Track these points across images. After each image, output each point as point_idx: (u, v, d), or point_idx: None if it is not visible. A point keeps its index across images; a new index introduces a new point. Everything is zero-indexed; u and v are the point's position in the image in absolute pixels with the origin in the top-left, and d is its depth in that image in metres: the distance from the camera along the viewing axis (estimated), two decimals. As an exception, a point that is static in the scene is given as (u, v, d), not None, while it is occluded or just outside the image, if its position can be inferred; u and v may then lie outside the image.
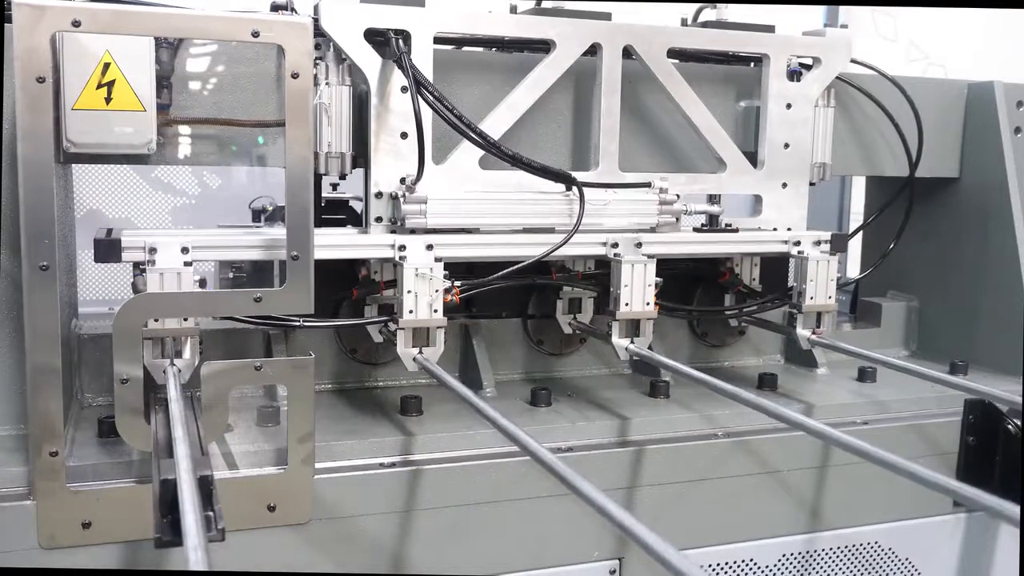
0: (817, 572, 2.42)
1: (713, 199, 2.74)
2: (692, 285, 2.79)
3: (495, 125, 2.32)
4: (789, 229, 2.66)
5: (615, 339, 2.37)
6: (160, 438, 1.80)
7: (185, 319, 1.97)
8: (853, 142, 2.90)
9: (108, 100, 1.95)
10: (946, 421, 2.47)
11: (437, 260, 2.20)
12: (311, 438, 1.90)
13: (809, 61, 2.67)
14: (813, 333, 2.58)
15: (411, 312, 2.16)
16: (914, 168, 2.90)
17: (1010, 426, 2.24)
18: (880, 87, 2.83)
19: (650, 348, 2.39)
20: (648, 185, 2.46)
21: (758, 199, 2.69)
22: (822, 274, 2.56)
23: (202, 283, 2.04)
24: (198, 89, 2.17)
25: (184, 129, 2.18)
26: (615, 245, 2.36)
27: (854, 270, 3.80)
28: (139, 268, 2.01)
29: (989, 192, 2.95)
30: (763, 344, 2.95)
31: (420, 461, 2.07)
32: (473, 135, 2.20)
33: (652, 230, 2.44)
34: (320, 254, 2.00)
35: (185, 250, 2.01)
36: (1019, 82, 2.97)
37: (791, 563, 2.39)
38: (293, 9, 2.18)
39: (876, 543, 2.47)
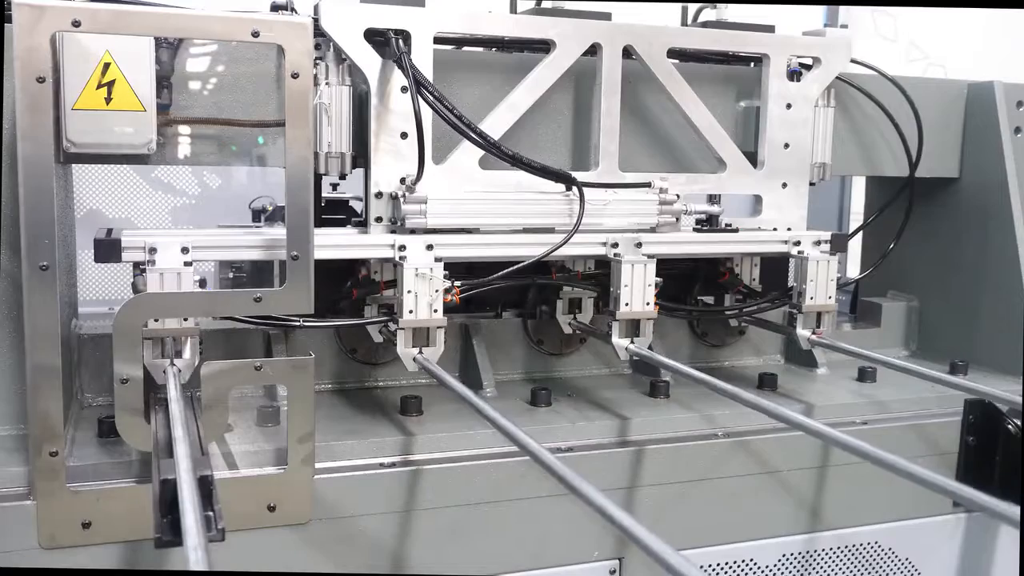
0: (817, 572, 2.42)
1: (713, 199, 2.74)
2: (690, 283, 2.78)
3: (495, 125, 2.32)
4: (789, 229, 2.66)
5: (615, 339, 2.37)
6: (160, 438, 1.81)
7: (185, 319, 1.97)
8: (853, 142, 2.90)
9: (108, 100, 1.95)
10: (946, 421, 2.47)
11: (437, 260, 2.20)
12: (311, 438, 1.90)
13: (809, 61, 2.67)
14: (813, 333, 2.58)
15: (411, 312, 2.16)
16: (914, 168, 2.90)
17: (1010, 426, 2.24)
18: (880, 87, 2.83)
19: (650, 348, 2.39)
20: (648, 185, 2.46)
21: (758, 199, 2.69)
22: (822, 274, 2.56)
23: (202, 283, 2.04)
24: (198, 89, 2.17)
25: (184, 129, 2.18)
26: (615, 245, 2.36)
27: (854, 270, 3.80)
28: (139, 268, 2.01)
29: (989, 192, 2.95)
30: (763, 344, 2.95)
31: (420, 461, 2.07)
32: (473, 135, 2.20)
33: (652, 230, 2.44)
34: (320, 254, 2.00)
35: (185, 250, 2.01)
36: (1019, 82, 2.97)
37: (791, 563, 2.39)
38: (293, 9, 2.18)
39: (876, 543, 2.47)
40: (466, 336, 2.56)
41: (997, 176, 2.92)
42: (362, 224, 2.35)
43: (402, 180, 2.25)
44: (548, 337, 2.69)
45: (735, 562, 2.33)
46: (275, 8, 2.18)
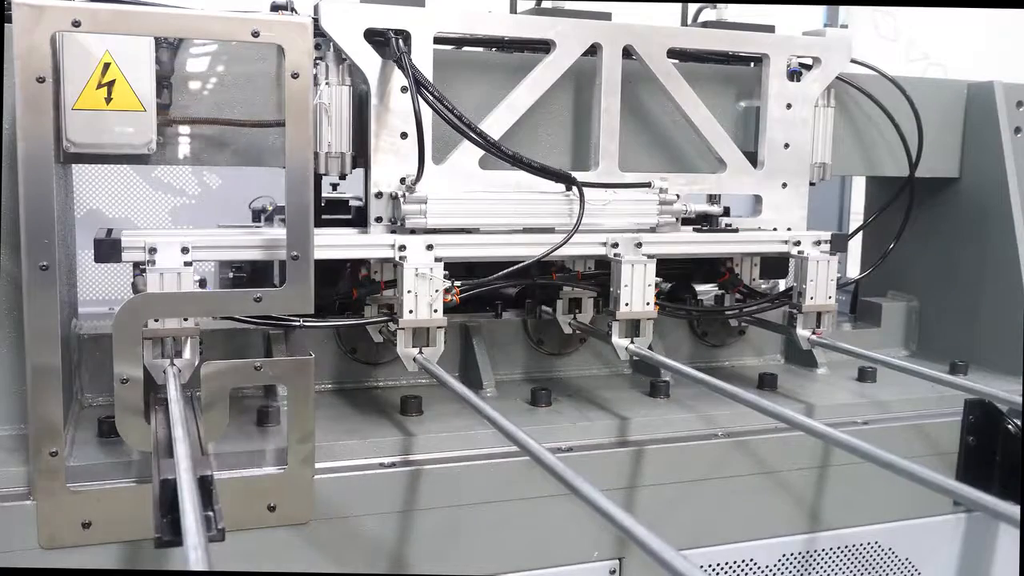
0: (817, 572, 2.42)
1: (713, 199, 2.74)
2: (689, 282, 2.78)
3: (495, 125, 2.32)
4: (789, 229, 2.66)
5: (615, 339, 2.37)
6: (160, 438, 1.80)
7: (185, 319, 1.97)
8: (853, 142, 2.90)
9: (108, 100, 1.95)
10: (946, 421, 2.46)
11: (437, 260, 2.20)
12: (311, 438, 1.90)
13: (809, 61, 2.67)
14: (813, 333, 2.58)
15: (411, 312, 2.16)
16: (914, 168, 2.90)
17: (1010, 426, 2.24)
18: (880, 87, 2.83)
19: (650, 348, 2.39)
20: (648, 185, 2.46)
21: (758, 199, 2.69)
22: (822, 274, 2.56)
23: (202, 283, 2.04)
24: (198, 89, 2.17)
25: (184, 129, 2.18)
26: (615, 245, 2.36)
27: (854, 270, 3.80)
28: (139, 268, 2.01)
29: (989, 192, 2.95)
30: (763, 344, 2.95)
31: (420, 461, 2.07)
32: (473, 135, 2.20)
33: (652, 230, 2.44)
34: (320, 254, 2.00)
35: (185, 250, 2.01)
36: (1019, 82, 2.97)
37: (791, 563, 2.39)
38: (293, 9, 2.18)
39: (876, 543, 2.47)
40: (466, 336, 2.56)
41: (997, 176, 2.92)
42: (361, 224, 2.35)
43: (402, 180, 2.25)
44: (548, 337, 2.69)
45: (735, 562, 2.33)
46: (275, 8, 2.18)
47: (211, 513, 1.42)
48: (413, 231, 2.24)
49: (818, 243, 2.60)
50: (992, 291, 2.95)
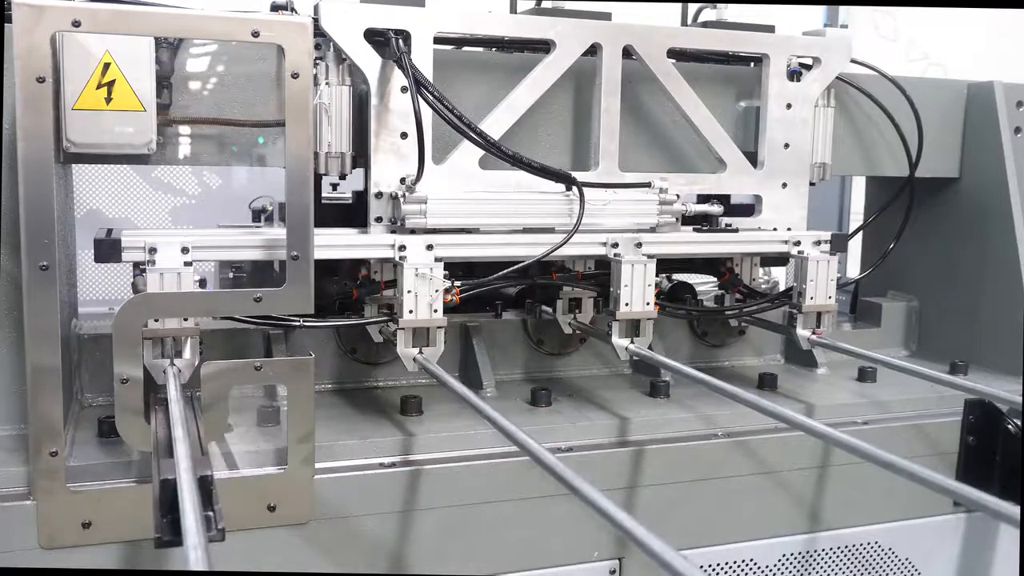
0: (817, 572, 2.42)
1: (713, 200, 2.73)
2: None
3: (495, 125, 2.32)
4: (789, 229, 2.66)
5: (615, 339, 2.37)
6: (160, 438, 1.80)
7: (185, 319, 1.97)
8: (853, 142, 2.90)
9: (108, 100, 1.95)
10: (946, 421, 2.46)
11: (437, 260, 2.20)
12: (311, 438, 1.90)
13: (809, 61, 2.67)
14: (813, 333, 2.58)
15: (411, 312, 2.16)
16: (914, 168, 2.90)
17: (1010, 426, 2.24)
18: (880, 87, 2.83)
19: (650, 348, 2.39)
20: (648, 185, 2.46)
21: (758, 199, 2.69)
22: (822, 274, 2.56)
23: (202, 283, 2.04)
24: (198, 89, 2.17)
25: (184, 129, 2.18)
26: (615, 245, 2.36)
27: (854, 270, 3.80)
28: (139, 268, 2.01)
29: (989, 192, 2.95)
30: (763, 344, 2.95)
31: (420, 461, 2.07)
32: (473, 135, 2.20)
33: (652, 230, 2.44)
34: (320, 254, 2.00)
35: (185, 250, 2.01)
36: (1019, 82, 2.97)
37: (791, 563, 2.39)
38: (293, 9, 2.18)
39: (876, 543, 2.47)
40: (466, 336, 2.56)
41: (997, 176, 2.92)
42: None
43: (402, 180, 2.25)
44: (548, 337, 2.69)
45: (735, 562, 2.33)
46: (275, 8, 2.18)
47: (211, 513, 1.42)
48: (413, 231, 2.24)
49: (818, 243, 2.60)
50: (992, 291, 2.95)
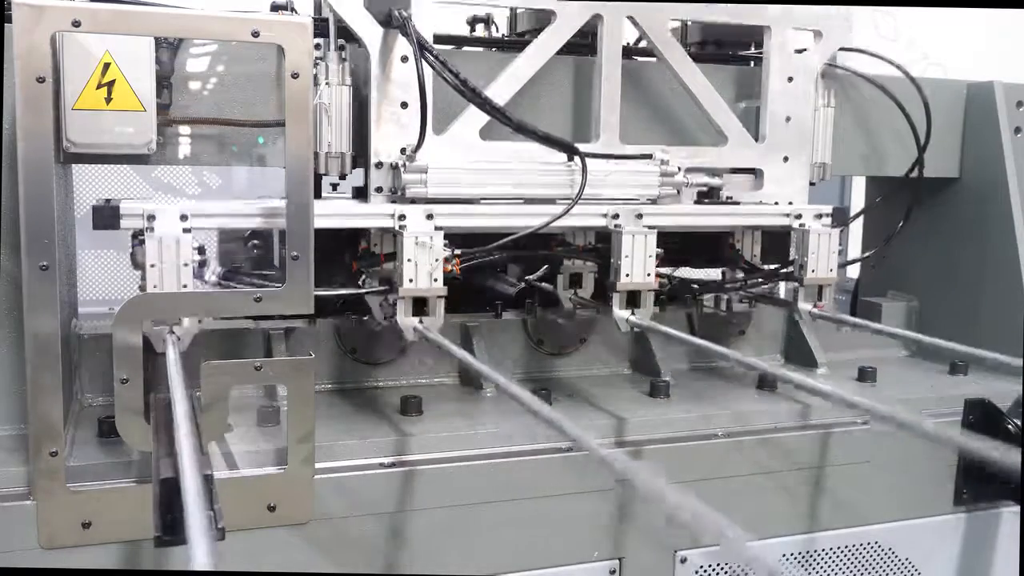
0: (817, 572, 2.42)
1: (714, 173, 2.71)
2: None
3: (496, 95, 2.29)
4: (790, 203, 2.65)
5: (616, 311, 2.36)
6: (160, 437, 1.80)
7: (185, 285, 1.97)
8: (853, 142, 2.90)
9: (108, 100, 1.95)
10: (946, 421, 2.46)
11: (437, 229, 2.19)
12: (311, 438, 1.90)
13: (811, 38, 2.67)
14: (815, 307, 2.57)
15: (411, 281, 2.16)
16: (922, 152, 2.86)
17: (1010, 426, 2.24)
18: (886, 84, 2.83)
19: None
20: (650, 157, 2.45)
21: (759, 172, 2.68)
22: (823, 247, 2.55)
23: (201, 250, 2.04)
24: (198, 89, 2.17)
25: (184, 129, 2.18)
26: (616, 216, 2.36)
27: (854, 270, 3.80)
28: (138, 239, 2.01)
29: (989, 192, 2.95)
30: (763, 344, 2.94)
31: (420, 461, 2.07)
32: (478, 99, 2.18)
33: (653, 202, 2.43)
34: (320, 223, 1.98)
35: (184, 217, 2.01)
36: (1019, 82, 2.97)
37: (791, 563, 2.38)
38: (293, 9, 2.18)
39: (876, 543, 2.47)
40: (466, 336, 2.56)
41: (997, 176, 2.92)
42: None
43: (402, 150, 2.24)
44: (548, 337, 2.69)
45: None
46: (275, 8, 2.18)
47: (211, 513, 1.41)
48: (413, 200, 2.23)
49: (819, 216, 2.59)
50: (992, 291, 2.95)
